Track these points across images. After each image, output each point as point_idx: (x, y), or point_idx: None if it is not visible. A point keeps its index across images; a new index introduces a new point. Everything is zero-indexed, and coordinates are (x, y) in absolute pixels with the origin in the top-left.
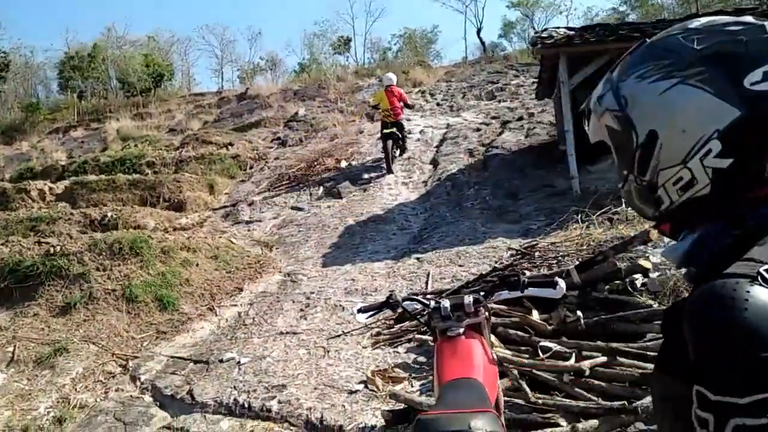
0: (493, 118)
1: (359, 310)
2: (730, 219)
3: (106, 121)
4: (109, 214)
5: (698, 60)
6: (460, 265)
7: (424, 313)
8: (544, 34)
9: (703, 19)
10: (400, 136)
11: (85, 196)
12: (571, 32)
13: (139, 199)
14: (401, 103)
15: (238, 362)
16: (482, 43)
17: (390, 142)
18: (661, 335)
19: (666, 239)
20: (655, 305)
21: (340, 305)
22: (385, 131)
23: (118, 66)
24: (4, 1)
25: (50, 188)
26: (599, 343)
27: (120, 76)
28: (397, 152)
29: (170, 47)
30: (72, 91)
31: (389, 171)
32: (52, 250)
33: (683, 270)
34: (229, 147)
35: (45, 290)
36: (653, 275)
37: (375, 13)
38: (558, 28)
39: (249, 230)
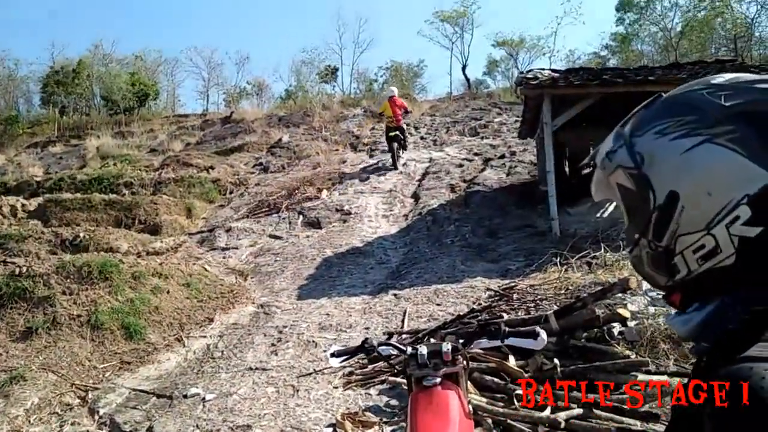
0: (476, 154)
1: (333, 354)
2: (754, 292)
3: (87, 137)
4: (81, 235)
5: (727, 118)
6: (437, 304)
7: (399, 358)
8: (530, 75)
9: (727, 75)
10: (402, 138)
11: (58, 214)
12: (556, 74)
13: (114, 220)
14: (402, 111)
15: (203, 398)
16: (467, 79)
17: (395, 144)
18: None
19: (645, 288)
20: (633, 356)
21: (313, 341)
22: (390, 134)
23: (103, 83)
24: None
25: (23, 204)
26: (576, 393)
27: (104, 94)
28: (401, 152)
29: (157, 67)
30: (54, 106)
31: (395, 167)
32: (17, 270)
33: (691, 344)
34: (210, 170)
35: (6, 313)
36: (631, 324)
37: (363, 44)
38: (543, 69)
39: (225, 257)
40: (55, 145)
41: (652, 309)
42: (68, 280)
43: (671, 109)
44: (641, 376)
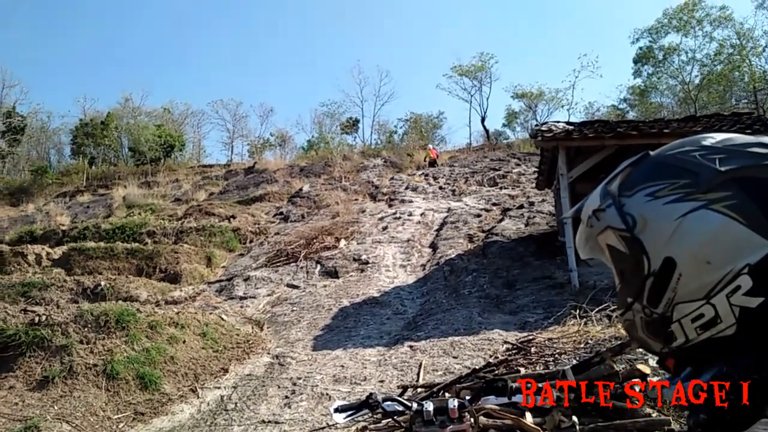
0: (494, 204)
1: (336, 410)
2: (754, 361)
3: (114, 187)
4: (102, 283)
5: (723, 184)
6: (454, 357)
7: (406, 414)
8: (544, 128)
9: (718, 137)
10: (435, 164)
11: (81, 262)
12: (571, 127)
13: (136, 269)
14: (435, 155)
15: None
16: (486, 130)
17: (431, 166)
18: None
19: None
20: (654, 414)
21: (327, 394)
22: (429, 162)
23: (130, 135)
24: (28, 66)
25: (47, 253)
26: None
27: (132, 145)
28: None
29: (184, 119)
30: (83, 157)
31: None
32: (37, 319)
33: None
34: (231, 219)
35: (24, 361)
36: (653, 380)
37: (384, 97)
38: (558, 122)
39: (242, 306)
40: (83, 195)
41: None
42: (86, 329)
43: (662, 170)
44: None
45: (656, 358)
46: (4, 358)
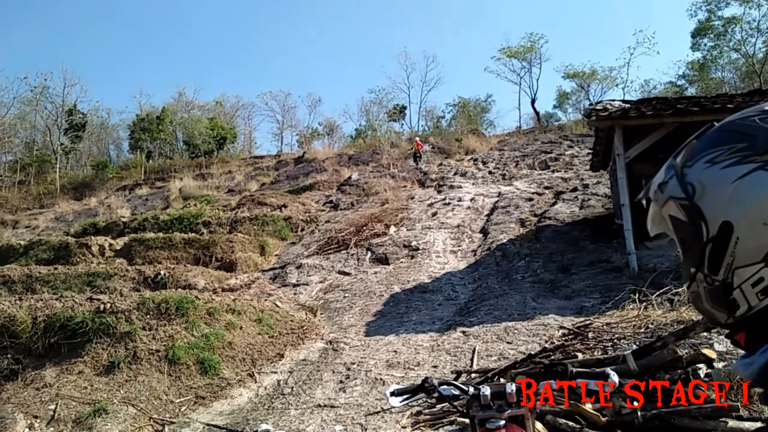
0: (547, 188)
1: (392, 393)
2: None
3: (170, 180)
4: (162, 272)
5: None
6: (508, 342)
7: (462, 398)
8: (599, 107)
9: None
10: (419, 156)
11: (142, 252)
12: (627, 105)
13: (193, 258)
14: (420, 147)
15: None
16: (536, 112)
17: (417, 157)
18: None
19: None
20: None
21: (381, 379)
22: (415, 155)
23: (185, 128)
24: (88, 65)
25: (110, 244)
26: None
27: (186, 139)
28: (419, 161)
29: (235, 112)
30: (141, 152)
31: (417, 166)
32: (102, 307)
33: (759, 390)
34: (283, 209)
35: (92, 347)
36: (718, 365)
37: (431, 82)
38: (613, 100)
39: (295, 293)
40: (142, 188)
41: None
42: (148, 316)
43: (722, 137)
44: (731, 422)
45: (723, 341)
46: (73, 344)
